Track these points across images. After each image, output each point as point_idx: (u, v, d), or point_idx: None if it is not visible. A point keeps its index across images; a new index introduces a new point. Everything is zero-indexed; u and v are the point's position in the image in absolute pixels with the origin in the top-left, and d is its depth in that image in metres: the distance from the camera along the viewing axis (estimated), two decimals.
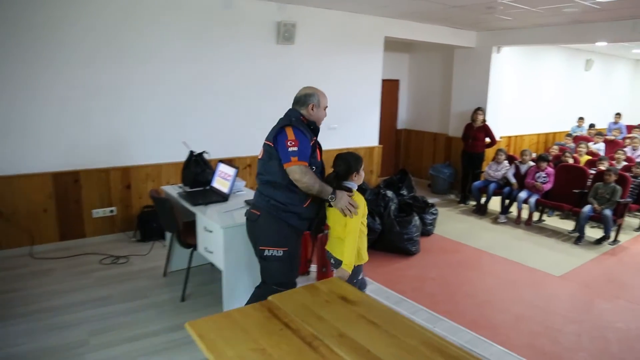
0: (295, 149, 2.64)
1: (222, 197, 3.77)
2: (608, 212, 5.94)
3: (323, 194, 2.74)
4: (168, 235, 4.41)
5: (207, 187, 4.10)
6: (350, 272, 2.84)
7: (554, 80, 10.11)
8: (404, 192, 6.66)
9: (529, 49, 9.06)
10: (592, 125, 10.04)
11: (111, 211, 5.20)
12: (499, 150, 7.39)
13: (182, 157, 4.37)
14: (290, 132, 2.67)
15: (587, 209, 6.08)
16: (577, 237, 6.15)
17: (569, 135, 9.08)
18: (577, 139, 9.07)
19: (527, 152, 7.25)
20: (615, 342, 3.80)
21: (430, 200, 6.66)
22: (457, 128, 8.26)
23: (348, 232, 2.83)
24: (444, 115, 8.81)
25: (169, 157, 5.30)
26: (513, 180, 7.01)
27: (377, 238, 5.41)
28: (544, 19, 6.31)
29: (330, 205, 2.87)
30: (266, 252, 2.79)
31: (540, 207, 6.93)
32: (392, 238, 5.41)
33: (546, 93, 9.95)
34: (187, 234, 3.79)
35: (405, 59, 9.24)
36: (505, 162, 7.30)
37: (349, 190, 2.87)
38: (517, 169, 7.15)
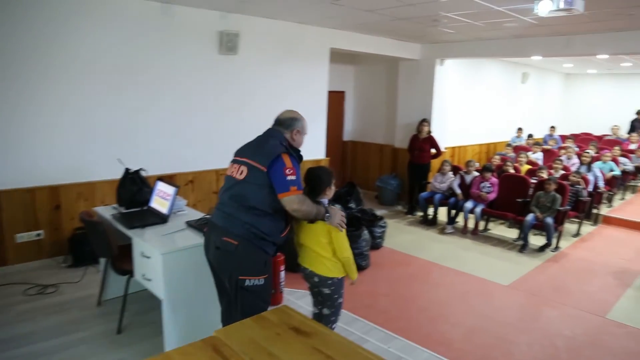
0: (294, 177, 2.52)
1: (160, 219, 3.48)
2: (549, 220, 6.10)
3: (319, 215, 2.67)
4: (103, 259, 4.04)
5: (145, 208, 3.79)
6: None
7: (494, 92, 10.45)
8: (352, 205, 6.58)
9: (470, 62, 9.30)
10: (530, 136, 10.45)
11: (38, 235, 4.74)
12: (444, 161, 7.48)
13: (118, 174, 4.04)
14: (287, 160, 2.53)
15: (530, 217, 6.23)
16: (522, 245, 6.28)
17: (509, 145, 9.38)
18: (517, 149, 9.38)
19: (471, 162, 7.38)
20: (564, 350, 3.83)
21: (378, 212, 6.61)
22: (403, 139, 8.31)
23: (341, 245, 2.84)
24: (389, 127, 8.85)
25: (103, 175, 4.92)
26: (458, 191, 7.09)
27: None
28: (485, 33, 6.46)
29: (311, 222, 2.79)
30: (247, 282, 2.59)
31: (485, 216, 7.05)
32: None
33: (486, 104, 10.26)
34: (122, 260, 3.47)
35: (351, 71, 9.24)
36: (450, 174, 7.39)
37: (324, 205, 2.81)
38: (462, 179, 7.25)
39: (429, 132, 7.76)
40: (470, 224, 6.98)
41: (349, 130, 9.50)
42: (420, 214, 7.60)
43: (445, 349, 3.68)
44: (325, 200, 2.85)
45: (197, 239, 3.11)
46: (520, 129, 10.58)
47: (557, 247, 6.31)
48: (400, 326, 4.02)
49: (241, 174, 2.59)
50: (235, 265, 2.58)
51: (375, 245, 6.02)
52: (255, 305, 2.61)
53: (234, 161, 2.70)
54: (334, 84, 8.31)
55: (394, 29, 6.56)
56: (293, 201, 2.52)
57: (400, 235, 6.73)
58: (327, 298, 3.01)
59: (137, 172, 3.98)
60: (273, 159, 2.50)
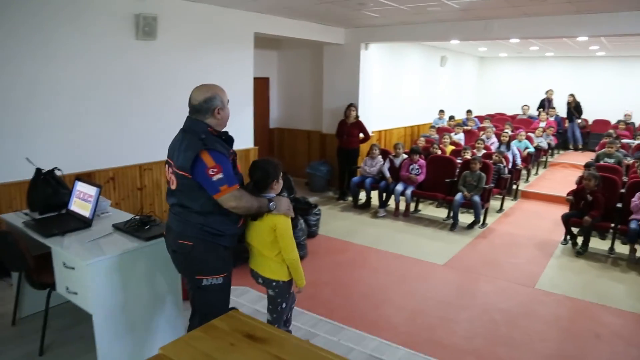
0: (221, 175, 2.30)
1: (83, 223, 3.13)
2: (477, 199, 6.35)
3: (263, 208, 2.53)
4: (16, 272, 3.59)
5: (63, 212, 3.40)
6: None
7: (415, 76, 10.70)
8: (285, 194, 6.40)
9: (392, 47, 9.42)
10: (451, 117, 10.85)
11: None
12: (373, 145, 7.54)
13: (27, 175, 3.58)
14: (208, 159, 2.30)
15: (458, 196, 6.44)
16: (452, 224, 6.49)
17: (432, 127, 9.65)
18: (440, 131, 9.69)
19: (399, 145, 7.49)
20: (503, 323, 3.98)
21: (310, 199, 6.53)
22: (330, 125, 8.26)
23: (287, 245, 2.67)
24: (316, 113, 8.76)
25: (8, 176, 4.36)
26: (388, 175, 7.17)
27: None
28: (408, 17, 6.52)
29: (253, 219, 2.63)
30: (204, 282, 2.48)
31: (415, 198, 7.21)
32: None
33: (409, 88, 10.48)
34: (40, 272, 3.08)
35: (274, 56, 9.01)
36: (379, 157, 7.45)
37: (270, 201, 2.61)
38: (392, 162, 7.34)
39: (357, 116, 7.76)
40: (402, 206, 7.11)
41: (275, 118, 9.30)
42: (352, 199, 7.62)
43: (393, 334, 3.68)
44: (273, 195, 2.69)
45: (127, 244, 2.82)
46: (441, 111, 10.95)
47: (484, 224, 6.60)
48: (345, 315, 3.98)
49: (173, 183, 2.45)
50: (192, 265, 2.48)
51: (311, 233, 5.93)
52: (213, 306, 2.48)
53: (166, 162, 2.53)
54: (257, 70, 8.00)
55: (319, 13, 6.43)
56: (228, 199, 2.36)
57: (334, 221, 6.70)
58: (270, 301, 2.88)
59: (50, 172, 3.56)
60: (192, 162, 2.30)
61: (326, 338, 3.52)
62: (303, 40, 7.43)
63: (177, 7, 5.35)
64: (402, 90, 10.14)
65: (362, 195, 7.53)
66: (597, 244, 5.88)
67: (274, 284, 2.80)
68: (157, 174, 5.40)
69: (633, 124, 10.98)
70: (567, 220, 5.80)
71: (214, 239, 2.44)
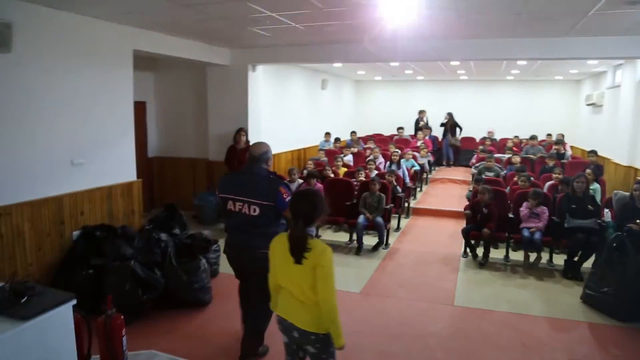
0: (289, 198, 3.24)
1: None
2: (379, 220, 6.26)
3: None
4: None
5: None
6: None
7: (300, 99, 10.59)
8: (177, 231, 5.73)
9: (277, 69, 9.19)
10: (337, 139, 10.87)
11: None
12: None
13: None
14: (284, 190, 3.32)
15: (361, 219, 6.29)
16: (357, 248, 6.32)
17: (321, 149, 9.55)
18: (329, 153, 9.64)
19: (294, 170, 7.20)
20: (437, 347, 3.83)
21: (204, 234, 5.89)
22: (218, 151, 7.65)
23: (326, 280, 2.35)
24: (201, 139, 8.09)
25: None
26: None
27: (161, 294, 4.34)
28: (301, 37, 6.28)
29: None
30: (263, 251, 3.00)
31: None
32: (179, 291, 4.44)
33: (294, 111, 10.31)
34: None
35: (150, 78, 8.18)
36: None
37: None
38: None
39: (247, 141, 7.32)
40: None
41: (154, 146, 8.41)
42: None
43: None
44: (313, 231, 2.24)
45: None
46: (327, 134, 10.94)
47: (387, 244, 6.53)
48: None
49: (254, 211, 3.29)
50: (261, 262, 2.90)
51: (213, 272, 5.27)
52: (266, 269, 2.80)
53: (236, 200, 3.34)
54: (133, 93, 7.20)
55: (206, 31, 5.92)
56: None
57: None
58: None
59: None
60: (276, 194, 3.27)
61: None
62: (184, 60, 6.82)
63: (38, 14, 4.39)
64: (287, 113, 9.93)
65: None
66: (493, 254, 6.12)
67: (313, 337, 2.30)
68: (17, 219, 4.31)
69: (496, 139, 12.09)
70: (467, 233, 5.96)
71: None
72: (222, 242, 6.33)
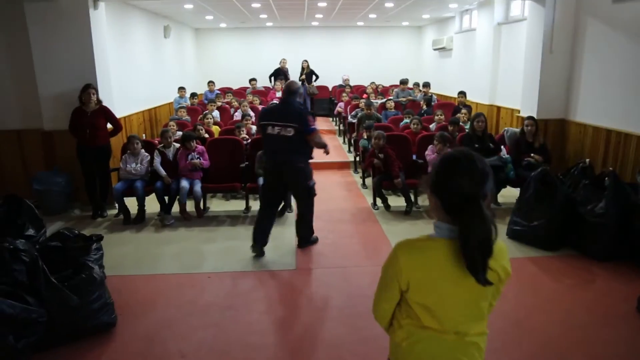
0: (314, 125, 4.32)
1: None
2: None
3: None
4: None
5: None
6: None
7: (144, 47, 8.91)
8: (31, 231, 4.20)
9: (117, 11, 7.43)
10: (194, 94, 9.42)
11: None
12: (132, 137, 5.79)
13: None
14: (310, 118, 4.30)
15: (261, 181, 5.45)
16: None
17: (182, 107, 8.20)
18: (191, 111, 8.38)
19: (168, 132, 5.97)
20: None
21: (52, 227, 4.46)
22: (58, 117, 5.86)
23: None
24: (29, 103, 6.09)
25: None
26: (163, 172, 5.61)
27: (45, 333, 3.01)
28: None
29: None
30: (311, 183, 4.48)
31: (205, 192, 5.88)
32: (70, 319, 3.13)
33: (140, 63, 8.65)
34: None
35: None
36: (143, 152, 5.76)
37: None
38: (164, 155, 5.77)
39: (99, 101, 5.77)
40: (191, 207, 5.70)
41: None
42: (121, 213, 5.69)
43: None
44: None
45: None
46: (182, 88, 9.43)
47: (290, 207, 5.88)
48: None
49: (289, 132, 4.21)
50: (304, 176, 4.40)
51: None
52: (312, 195, 4.57)
53: (275, 125, 4.26)
54: None
55: None
56: (315, 137, 4.33)
57: (112, 250, 4.73)
58: None
59: None
60: (304, 119, 4.24)
61: None
62: None
63: None
64: (132, 67, 8.25)
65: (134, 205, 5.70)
66: (396, 202, 5.91)
67: None
68: None
69: (351, 86, 11.94)
70: (379, 185, 5.62)
71: (307, 158, 4.43)
72: (111, 236, 4.92)
